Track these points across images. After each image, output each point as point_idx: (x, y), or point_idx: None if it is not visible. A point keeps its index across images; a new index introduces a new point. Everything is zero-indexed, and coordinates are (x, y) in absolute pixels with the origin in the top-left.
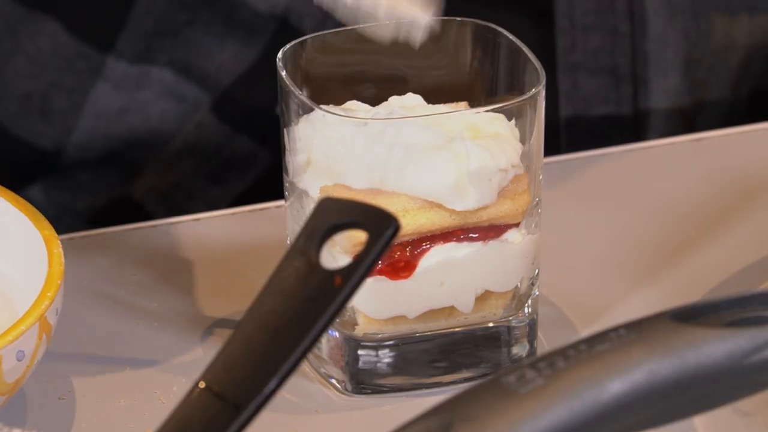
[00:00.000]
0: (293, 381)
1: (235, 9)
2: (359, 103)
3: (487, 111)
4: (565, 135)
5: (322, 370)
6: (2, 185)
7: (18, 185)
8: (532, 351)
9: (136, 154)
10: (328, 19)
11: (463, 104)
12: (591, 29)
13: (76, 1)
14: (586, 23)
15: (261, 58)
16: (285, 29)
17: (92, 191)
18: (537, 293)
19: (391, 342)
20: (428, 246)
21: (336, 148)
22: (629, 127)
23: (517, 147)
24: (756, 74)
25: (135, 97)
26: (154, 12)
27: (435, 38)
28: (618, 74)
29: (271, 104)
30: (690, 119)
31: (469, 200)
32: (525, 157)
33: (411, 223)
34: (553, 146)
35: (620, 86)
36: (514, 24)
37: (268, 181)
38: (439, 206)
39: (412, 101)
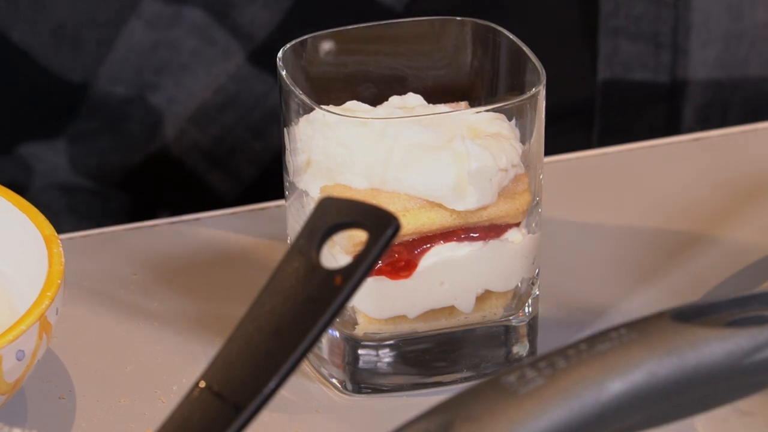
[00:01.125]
0: (293, 380)
1: None
2: (359, 103)
3: (487, 111)
4: (600, 98)
5: (323, 370)
6: (30, 120)
7: (45, 127)
8: (532, 351)
9: (168, 99)
10: None
11: (464, 104)
12: None
13: None
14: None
15: (293, 8)
16: None
17: (123, 146)
18: (537, 293)
19: (391, 342)
20: (428, 246)
21: (336, 148)
22: (665, 95)
23: (518, 147)
24: None
25: (167, 35)
26: None
27: (435, 38)
28: (658, 42)
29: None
30: (726, 94)
31: (469, 200)
32: (525, 156)
33: (411, 222)
34: (587, 108)
35: (660, 54)
36: None
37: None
38: (440, 206)
39: (412, 101)
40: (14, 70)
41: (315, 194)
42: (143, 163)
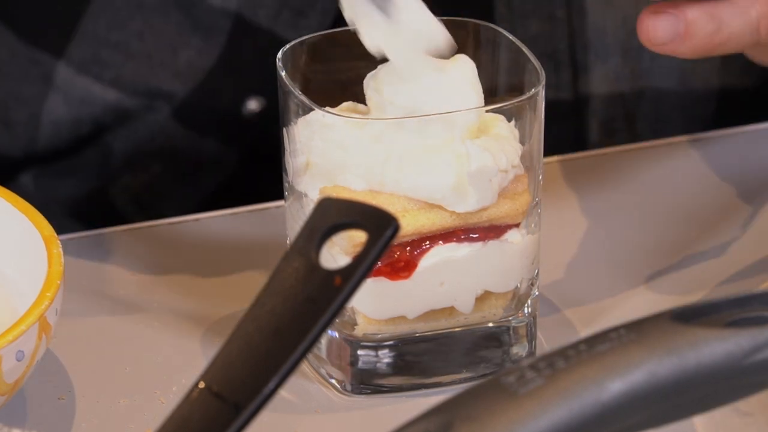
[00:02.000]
0: (293, 381)
1: (191, 8)
2: (357, 104)
3: (488, 110)
4: None
5: (322, 370)
6: None
7: None
8: (531, 351)
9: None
10: (283, 10)
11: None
12: (529, 16)
13: (25, 8)
14: (525, 10)
15: (219, 60)
16: (241, 25)
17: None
18: (537, 293)
19: (390, 342)
20: (428, 246)
21: (335, 150)
22: (569, 112)
23: (517, 147)
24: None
25: (84, 109)
26: (104, 20)
27: None
28: (557, 59)
29: (236, 105)
30: (630, 106)
31: (469, 201)
32: (525, 157)
33: (411, 223)
34: None
35: (559, 71)
36: (453, 13)
37: (237, 181)
38: (440, 207)
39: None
40: None
41: (314, 196)
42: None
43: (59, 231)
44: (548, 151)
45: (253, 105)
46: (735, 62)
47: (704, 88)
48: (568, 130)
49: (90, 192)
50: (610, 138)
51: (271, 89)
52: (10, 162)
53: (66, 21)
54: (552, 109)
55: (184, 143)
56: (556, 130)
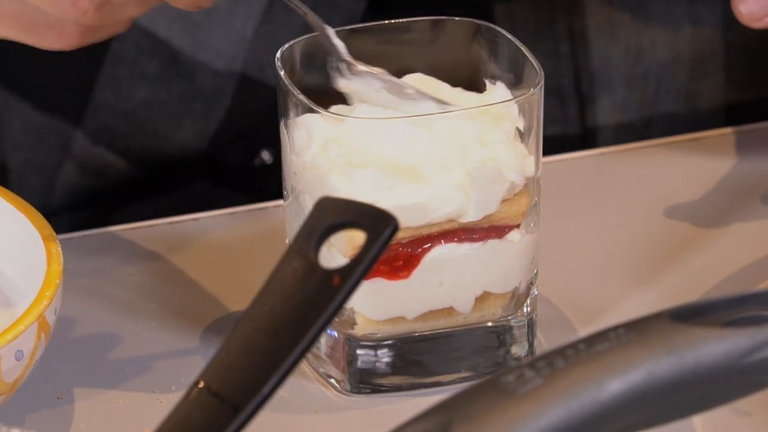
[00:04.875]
0: (292, 380)
1: (193, 73)
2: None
3: (487, 106)
4: None
5: (321, 370)
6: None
7: None
8: (530, 351)
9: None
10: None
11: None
12: (532, 51)
13: (41, 80)
14: (528, 45)
15: (225, 120)
16: (246, 84)
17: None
18: (536, 293)
19: (390, 342)
20: (427, 246)
21: (335, 149)
22: (578, 145)
23: (525, 152)
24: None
25: (98, 178)
26: (110, 89)
27: (434, 38)
28: (563, 94)
29: (248, 158)
30: (640, 134)
31: (471, 212)
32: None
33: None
34: None
35: (566, 106)
36: None
37: None
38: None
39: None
40: None
41: (313, 195)
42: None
43: (58, 230)
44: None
45: (266, 156)
46: (739, 77)
47: (711, 107)
48: None
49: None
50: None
51: None
52: None
53: (80, 91)
54: (561, 143)
55: (194, 191)
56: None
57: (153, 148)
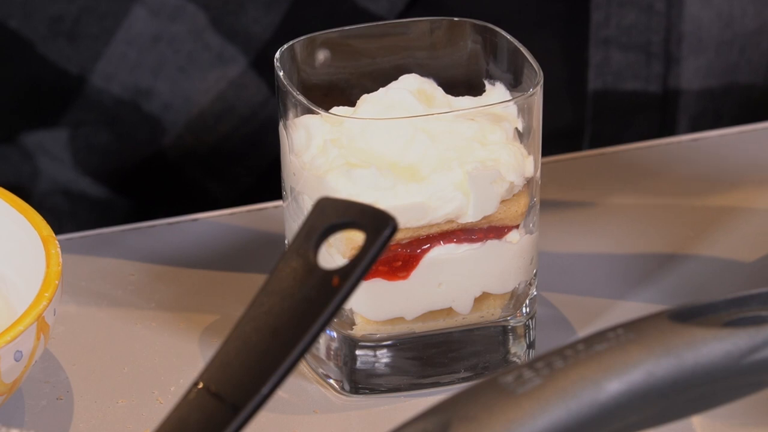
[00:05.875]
0: (291, 381)
1: None
2: (347, 108)
3: (486, 107)
4: (591, 108)
5: (320, 370)
6: (29, 110)
7: (44, 116)
8: (530, 351)
9: (165, 102)
10: None
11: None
12: (626, 5)
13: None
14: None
15: (288, 13)
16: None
17: (120, 148)
18: (535, 293)
19: (389, 342)
20: (426, 247)
21: (334, 150)
22: (657, 104)
23: (525, 153)
24: None
25: (169, 29)
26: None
27: (433, 39)
28: (650, 52)
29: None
30: (717, 102)
31: (470, 213)
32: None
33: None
34: (578, 118)
35: (651, 64)
36: None
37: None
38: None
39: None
40: (11, 58)
41: (312, 195)
42: (143, 166)
43: (58, 231)
44: (634, 140)
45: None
46: None
47: None
48: (654, 124)
49: (149, 156)
50: (695, 132)
51: None
52: (71, 78)
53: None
54: (640, 100)
55: (257, 98)
56: (643, 120)
57: (226, 16)
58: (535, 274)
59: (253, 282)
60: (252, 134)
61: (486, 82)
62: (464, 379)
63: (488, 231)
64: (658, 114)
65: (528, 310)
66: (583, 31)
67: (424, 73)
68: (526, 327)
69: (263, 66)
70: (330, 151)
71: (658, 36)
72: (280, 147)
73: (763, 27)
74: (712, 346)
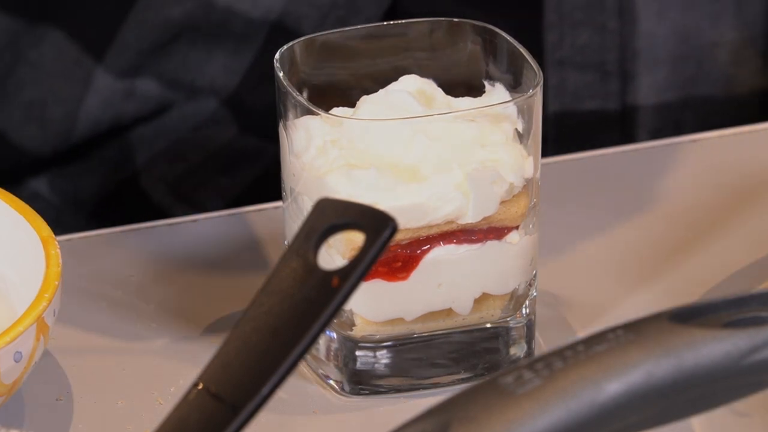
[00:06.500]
0: (291, 382)
1: (227, 19)
2: (347, 108)
3: (486, 108)
4: (552, 130)
5: (320, 371)
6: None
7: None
8: (529, 352)
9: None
10: (327, 18)
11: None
12: (579, 25)
13: (73, 10)
14: (575, 19)
15: (254, 65)
16: (280, 33)
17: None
18: (535, 294)
19: (388, 343)
20: (426, 248)
21: (334, 151)
22: (617, 122)
23: (524, 154)
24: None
25: (124, 109)
26: (143, 26)
27: (433, 40)
28: (606, 70)
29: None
30: (678, 116)
31: (470, 214)
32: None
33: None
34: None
35: (608, 82)
36: (501, 19)
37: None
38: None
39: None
40: None
41: (312, 196)
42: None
43: (57, 231)
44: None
45: None
46: None
47: (747, 93)
48: (615, 141)
49: (121, 183)
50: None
51: None
52: (38, 159)
53: (107, 28)
54: (599, 118)
55: (223, 137)
56: (604, 138)
57: (183, 77)
58: (534, 275)
59: (253, 282)
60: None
61: (486, 83)
62: (464, 380)
63: (488, 232)
64: (618, 131)
65: (528, 311)
66: (537, 53)
67: (423, 74)
68: (526, 328)
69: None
70: (330, 152)
71: (612, 54)
72: (279, 147)
73: (718, 40)
74: (712, 347)
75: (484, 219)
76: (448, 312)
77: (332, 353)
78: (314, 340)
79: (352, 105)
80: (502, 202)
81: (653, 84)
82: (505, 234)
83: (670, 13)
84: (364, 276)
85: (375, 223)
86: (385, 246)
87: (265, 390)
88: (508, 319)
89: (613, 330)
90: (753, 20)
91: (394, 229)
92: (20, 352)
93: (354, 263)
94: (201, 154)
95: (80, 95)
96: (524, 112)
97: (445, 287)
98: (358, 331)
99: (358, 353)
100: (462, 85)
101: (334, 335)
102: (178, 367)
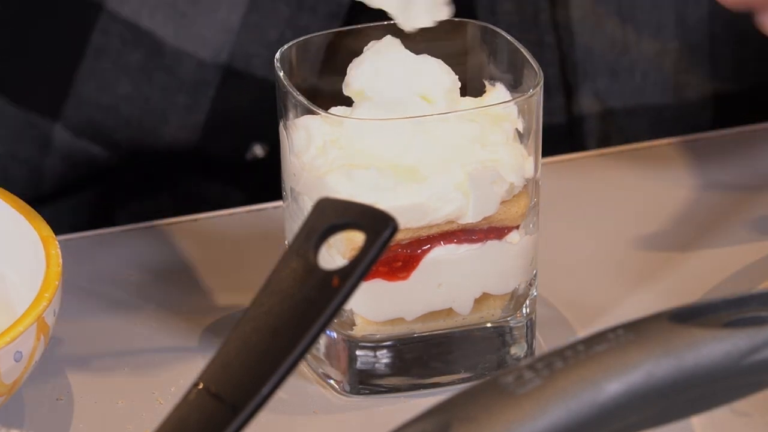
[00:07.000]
0: (291, 381)
1: (177, 64)
2: (347, 108)
3: (486, 108)
4: None
5: (320, 371)
6: None
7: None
8: (530, 352)
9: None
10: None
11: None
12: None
13: (17, 72)
14: (512, 36)
15: (211, 112)
16: (231, 76)
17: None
18: (535, 294)
19: (389, 342)
20: (426, 247)
21: (334, 150)
22: (563, 135)
23: (525, 154)
24: (697, 77)
25: (84, 168)
26: (95, 80)
27: (432, 40)
28: (548, 84)
29: (240, 151)
30: (625, 122)
31: (471, 214)
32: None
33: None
34: None
35: (551, 97)
36: None
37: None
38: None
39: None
40: None
41: (312, 196)
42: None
43: (57, 231)
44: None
45: (258, 150)
46: (726, 67)
47: (699, 98)
48: (565, 152)
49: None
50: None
51: (274, 135)
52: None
53: (60, 84)
54: (547, 134)
55: (188, 187)
56: (554, 152)
57: (142, 143)
58: (535, 275)
59: (253, 282)
60: None
61: (486, 83)
62: (464, 380)
63: (488, 231)
64: (566, 144)
65: (528, 310)
66: None
67: None
68: (527, 327)
69: None
70: (330, 152)
71: (553, 68)
72: (280, 147)
73: (661, 49)
74: (712, 347)
75: (485, 219)
76: (449, 312)
77: (333, 353)
78: (314, 340)
79: (352, 105)
80: (503, 202)
81: (596, 94)
82: (506, 234)
83: (607, 25)
84: (364, 276)
85: (375, 223)
86: (386, 246)
87: (265, 390)
88: (509, 318)
89: (613, 330)
90: (695, 27)
91: (395, 229)
92: (20, 352)
93: (354, 263)
94: (165, 199)
95: (41, 155)
96: (524, 112)
97: (446, 287)
98: (358, 331)
99: (358, 353)
100: (462, 84)
101: (335, 335)
102: (178, 366)
